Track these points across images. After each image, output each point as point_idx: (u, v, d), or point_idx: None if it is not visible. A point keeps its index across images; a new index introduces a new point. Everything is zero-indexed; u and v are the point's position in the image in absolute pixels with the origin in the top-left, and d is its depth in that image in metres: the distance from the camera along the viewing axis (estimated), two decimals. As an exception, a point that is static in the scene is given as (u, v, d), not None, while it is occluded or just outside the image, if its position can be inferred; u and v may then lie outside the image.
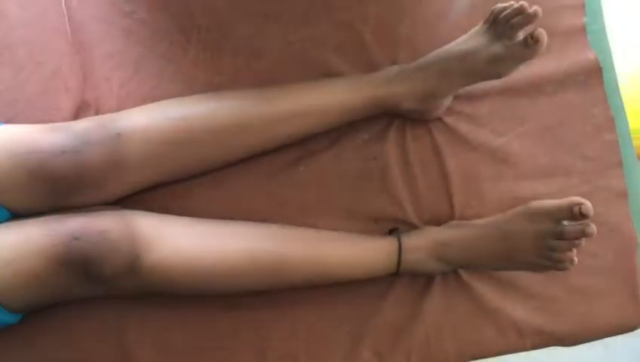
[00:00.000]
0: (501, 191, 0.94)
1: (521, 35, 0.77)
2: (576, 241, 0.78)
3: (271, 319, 0.89)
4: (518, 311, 0.92)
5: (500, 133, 0.95)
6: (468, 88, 0.93)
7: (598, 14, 1.00)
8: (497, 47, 0.79)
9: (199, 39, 0.94)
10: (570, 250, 0.79)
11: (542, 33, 0.74)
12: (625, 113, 1.00)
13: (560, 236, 0.78)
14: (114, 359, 0.87)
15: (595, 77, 0.97)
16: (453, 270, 0.91)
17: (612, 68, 1.00)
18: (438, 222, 0.92)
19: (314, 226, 0.89)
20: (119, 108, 0.86)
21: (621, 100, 1.00)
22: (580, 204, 0.75)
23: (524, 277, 0.92)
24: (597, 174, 0.95)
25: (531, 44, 0.75)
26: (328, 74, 0.93)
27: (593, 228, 0.77)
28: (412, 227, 0.92)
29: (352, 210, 0.92)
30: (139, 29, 0.93)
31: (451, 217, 0.92)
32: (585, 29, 0.98)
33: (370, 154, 0.94)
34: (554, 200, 0.79)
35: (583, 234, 0.77)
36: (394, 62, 0.92)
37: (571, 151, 0.96)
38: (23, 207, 0.78)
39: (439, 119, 0.94)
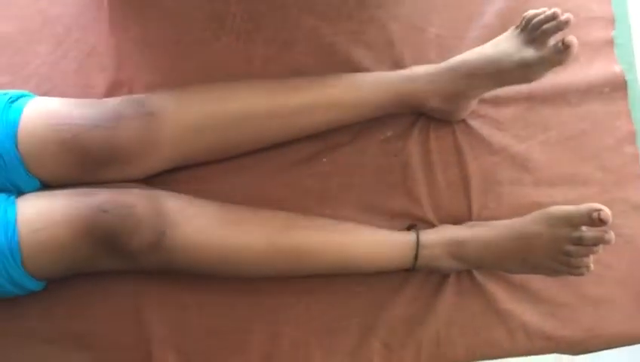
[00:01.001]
0: (519, 196, 0.95)
1: (552, 42, 0.79)
2: (595, 248, 0.79)
3: (286, 306, 0.90)
4: (528, 314, 0.92)
5: (522, 138, 0.96)
6: (494, 93, 0.94)
7: (626, 29, 1.01)
8: (528, 52, 0.80)
9: (233, 27, 0.96)
10: (587, 256, 0.80)
11: (573, 40, 0.75)
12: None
13: (578, 241, 0.79)
14: (130, 336, 0.88)
15: (619, 90, 0.98)
16: (468, 270, 0.92)
17: (636, 82, 1.01)
18: (454, 221, 0.93)
19: (333, 217, 0.90)
20: (151, 89, 0.89)
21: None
22: (599, 210, 0.76)
23: (537, 282, 0.93)
24: (615, 186, 0.96)
25: (562, 50, 0.76)
26: (356, 69, 0.95)
27: (612, 235, 0.77)
28: (429, 225, 0.93)
29: (370, 205, 0.94)
30: (174, 12, 0.96)
31: (468, 218, 0.94)
32: (613, 43, 0.99)
33: (392, 151, 0.95)
34: (573, 206, 0.80)
35: (602, 240, 0.78)
36: (423, 62, 0.93)
37: (591, 161, 0.97)
38: (53, 179, 0.80)
39: (463, 121, 0.95)
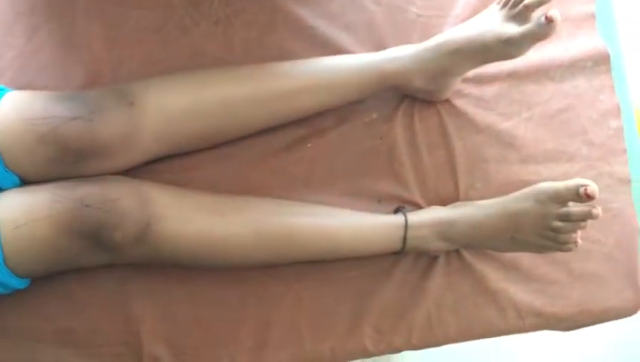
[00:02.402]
0: (506, 174, 0.95)
1: (534, 16, 0.78)
2: (582, 223, 0.79)
3: (276, 293, 0.90)
4: (518, 292, 0.93)
5: (506, 116, 0.96)
6: (477, 71, 0.93)
7: (607, 2, 1.01)
8: (511, 28, 0.79)
9: (211, 12, 0.94)
10: (575, 231, 0.80)
11: (556, 13, 0.74)
12: (630, 101, 1.01)
13: (565, 217, 0.79)
14: (119, 329, 0.87)
15: (602, 64, 0.98)
16: (457, 250, 0.92)
17: (619, 56, 1.00)
18: (442, 202, 0.93)
19: (319, 203, 0.90)
20: (131, 78, 0.87)
21: (627, 89, 1.00)
22: (586, 186, 0.76)
23: (526, 260, 0.93)
24: (601, 160, 0.96)
25: (545, 24, 0.75)
26: (338, 52, 0.94)
27: (599, 210, 0.77)
28: (416, 207, 0.92)
29: (357, 189, 0.93)
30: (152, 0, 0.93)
31: (456, 198, 0.93)
32: (595, 17, 0.99)
33: (377, 134, 0.94)
34: (560, 182, 0.80)
35: (589, 215, 0.78)
36: (405, 43, 0.92)
37: (576, 136, 0.97)
38: (33, 174, 0.78)
39: (447, 101, 0.95)
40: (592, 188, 0.76)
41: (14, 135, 0.75)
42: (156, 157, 0.85)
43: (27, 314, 0.87)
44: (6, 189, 0.78)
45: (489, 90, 0.96)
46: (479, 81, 0.96)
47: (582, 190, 0.76)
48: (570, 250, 0.82)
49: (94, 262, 0.80)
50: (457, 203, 0.91)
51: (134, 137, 0.78)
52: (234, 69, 0.86)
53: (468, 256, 0.92)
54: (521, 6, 0.78)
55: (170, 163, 0.88)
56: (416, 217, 0.87)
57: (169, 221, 0.78)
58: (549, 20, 0.75)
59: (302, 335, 0.90)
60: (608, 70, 0.98)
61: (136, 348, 0.87)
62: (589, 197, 0.76)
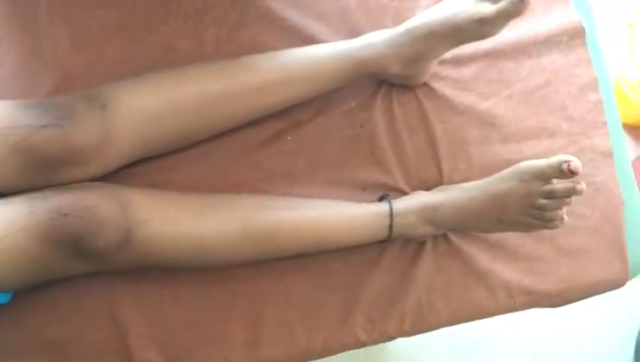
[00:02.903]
0: (488, 155, 0.94)
1: (506, -6, 0.77)
2: (567, 199, 0.79)
3: (265, 288, 0.89)
4: (507, 272, 0.93)
5: (485, 96, 0.95)
6: (453, 52, 0.93)
7: (580, -25, 1.01)
8: (484, 7, 0.78)
9: (180, 9, 0.92)
10: (560, 208, 0.80)
11: None
12: (608, 74, 1.01)
13: (550, 195, 0.79)
14: (107, 336, 0.86)
15: (578, 38, 0.98)
16: (444, 234, 0.91)
17: (594, 29, 1.00)
18: (426, 187, 0.92)
19: (303, 196, 0.89)
20: (101, 81, 0.84)
21: (604, 61, 1.00)
22: (568, 162, 0.76)
23: (513, 239, 0.93)
24: (582, 135, 0.96)
25: (517, 1, 0.74)
26: (312, 42, 0.92)
27: (583, 185, 0.77)
28: (401, 193, 0.92)
29: (340, 179, 0.92)
30: None
31: (440, 182, 0.93)
32: (568, -9, 0.98)
33: (357, 122, 0.93)
34: (543, 160, 0.79)
35: (573, 191, 0.78)
36: (379, 29, 0.91)
37: (556, 112, 0.96)
38: (7, 186, 0.76)
39: (425, 85, 0.94)
40: (575, 163, 0.75)
41: None
42: (132, 161, 0.83)
43: (12, 325, 0.85)
44: (-20, 203, 0.76)
45: (467, 71, 0.95)
46: (456, 62, 0.95)
47: (565, 166, 0.76)
48: (556, 227, 0.82)
49: (78, 271, 0.78)
50: (441, 186, 0.91)
51: (108, 141, 0.76)
52: (206, 66, 0.84)
53: (455, 239, 0.92)
54: (493, -16, 0.78)
55: (148, 165, 0.86)
56: (401, 204, 0.87)
57: (151, 224, 0.76)
58: None
59: (294, 329, 0.89)
60: (584, 43, 0.98)
61: (126, 355, 0.86)
62: (572, 173, 0.76)
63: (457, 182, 0.91)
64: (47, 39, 0.89)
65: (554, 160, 0.78)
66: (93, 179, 0.79)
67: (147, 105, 0.79)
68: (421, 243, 0.91)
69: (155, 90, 0.80)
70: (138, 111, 0.78)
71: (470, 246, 0.92)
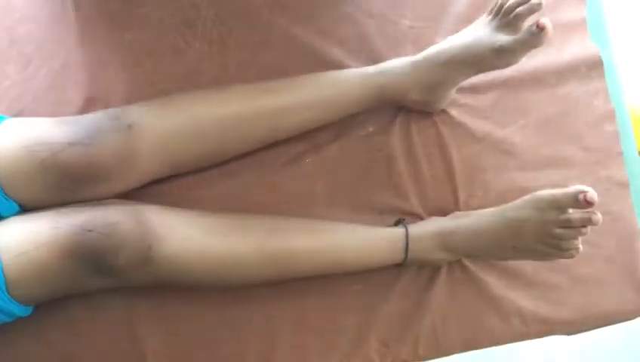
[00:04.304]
0: (504, 182, 0.95)
1: (525, 25, 0.78)
2: (583, 229, 0.79)
3: (281, 309, 0.90)
4: (521, 300, 0.93)
5: (503, 124, 0.96)
6: (471, 81, 0.94)
7: (598, 6, 1.02)
8: (502, 37, 0.79)
9: (204, 32, 0.94)
10: (576, 237, 0.80)
11: (547, 21, 0.75)
12: (624, 104, 1.02)
13: (566, 224, 0.79)
14: (125, 351, 0.87)
15: (596, 69, 0.99)
16: (459, 260, 0.92)
17: (612, 59, 1.01)
18: (442, 213, 0.93)
19: (320, 217, 0.90)
20: (127, 101, 0.87)
21: (621, 92, 1.01)
22: (585, 192, 0.76)
23: (528, 267, 0.93)
24: (598, 165, 0.97)
25: (536, 32, 0.75)
26: (332, 67, 0.93)
27: (598, 215, 0.77)
28: (417, 218, 0.93)
29: (357, 202, 0.93)
30: (144, 22, 0.94)
31: (456, 208, 0.94)
32: (586, 22, 1.00)
33: (375, 147, 0.95)
34: (559, 189, 0.80)
35: (589, 221, 0.78)
36: (399, 55, 0.92)
37: (573, 142, 0.97)
38: (33, 201, 0.78)
39: (443, 111, 0.95)
40: (591, 194, 0.76)
41: (13, 162, 0.75)
42: (155, 179, 0.85)
43: (31, 340, 0.87)
44: (6, 217, 0.78)
45: (484, 99, 0.97)
46: (474, 90, 0.96)
47: (581, 196, 0.76)
48: (572, 256, 0.82)
49: (97, 286, 0.79)
50: (458, 213, 0.91)
51: (132, 160, 0.78)
52: (230, 89, 0.86)
53: (470, 265, 0.93)
54: (511, 15, 0.79)
55: (170, 184, 0.88)
56: (417, 229, 0.87)
57: (170, 243, 0.77)
58: (541, 28, 0.75)
59: (307, 352, 0.90)
60: (602, 74, 0.98)
61: (142, 369, 0.87)
62: (588, 204, 0.76)
63: (473, 209, 0.92)
64: (76, 59, 0.92)
65: (570, 190, 0.78)
66: (117, 196, 0.81)
67: (171, 126, 0.80)
68: (436, 269, 0.92)
69: (179, 112, 0.82)
70: (162, 132, 0.80)
71: (485, 272, 0.93)
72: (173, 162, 0.83)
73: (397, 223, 0.91)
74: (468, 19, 0.94)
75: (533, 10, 0.78)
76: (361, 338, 0.90)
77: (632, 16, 1.58)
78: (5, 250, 0.73)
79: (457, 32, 0.87)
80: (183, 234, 0.79)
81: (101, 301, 0.87)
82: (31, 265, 0.73)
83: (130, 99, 0.89)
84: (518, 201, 0.84)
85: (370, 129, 0.95)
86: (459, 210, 0.93)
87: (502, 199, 0.89)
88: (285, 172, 0.93)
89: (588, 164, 0.97)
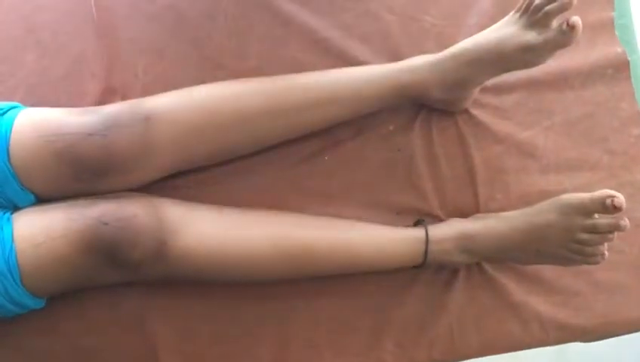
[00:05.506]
0: (526, 185, 0.93)
1: (555, 24, 0.76)
2: (609, 235, 0.78)
3: (295, 308, 0.88)
4: (541, 305, 0.91)
5: (526, 126, 0.95)
6: (495, 80, 0.92)
7: (626, 8, 1.00)
8: (530, 36, 0.77)
9: (225, 25, 0.93)
10: (602, 243, 0.79)
11: (578, 20, 0.73)
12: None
13: (592, 229, 0.77)
14: (137, 347, 0.86)
15: (622, 71, 0.97)
16: (478, 263, 0.90)
17: (639, 62, 0.99)
18: (462, 214, 0.91)
19: (337, 215, 0.88)
20: (145, 93, 0.85)
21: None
22: (613, 197, 0.74)
23: (548, 272, 0.92)
24: (623, 169, 0.95)
25: (567, 31, 0.73)
26: (353, 63, 0.92)
27: (626, 221, 0.76)
28: (436, 219, 0.91)
29: (374, 201, 0.92)
30: (164, 14, 0.93)
31: (476, 210, 0.92)
32: (613, 23, 0.97)
33: (395, 145, 0.93)
34: (585, 193, 0.78)
35: (617, 227, 0.76)
36: (421, 53, 0.91)
37: (598, 145, 0.95)
38: (49, 192, 0.78)
39: (465, 111, 0.93)
40: (620, 199, 0.74)
41: (30, 153, 0.74)
42: (173, 172, 0.83)
43: (42, 332, 0.86)
44: (22, 208, 0.77)
45: (508, 100, 0.95)
46: (498, 90, 0.95)
47: (609, 201, 0.74)
48: (597, 262, 0.80)
49: (111, 280, 0.79)
50: (478, 215, 0.90)
51: (149, 152, 0.77)
52: (249, 82, 0.85)
53: (489, 268, 0.91)
54: (541, 13, 0.76)
55: (187, 178, 0.87)
56: (437, 230, 0.86)
57: (186, 237, 0.76)
58: (571, 27, 0.73)
59: (321, 351, 0.89)
60: (628, 77, 0.96)
61: (154, 363, 0.86)
62: (616, 209, 0.74)
63: (493, 211, 0.90)
64: (94, 49, 0.91)
65: (597, 194, 0.76)
66: (133, 189, 0.80)
67: (189, 119, 0.79)
68: (454, 271, 0.90)
69: (197, 105, 0.80)
70: (179, 125, 0.79)
71: (504, 276, 0.91)
72: (190, 156, 0.82)
73: (416, 224, 0.90)
74: (492, 18, 0.93)
75: (563, 8, 0.75)
76: (375, 340, 0.89)
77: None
78: (20, 241, 0.73)
79: (480, 30, 0.85)
80: (198, 230, 0.78)
81: (115, 295, 0.86)
82: (46, 257, 0.73)
83: (148, 91, 0.87)
84: (543, 205, 0.82)
85: (391, 127, 0.93)
86: (479, 211, 0.91)
87: (523, 202, 0.88)
88: (303, 168, 0.91)
89: (612, 168, 0.95)
